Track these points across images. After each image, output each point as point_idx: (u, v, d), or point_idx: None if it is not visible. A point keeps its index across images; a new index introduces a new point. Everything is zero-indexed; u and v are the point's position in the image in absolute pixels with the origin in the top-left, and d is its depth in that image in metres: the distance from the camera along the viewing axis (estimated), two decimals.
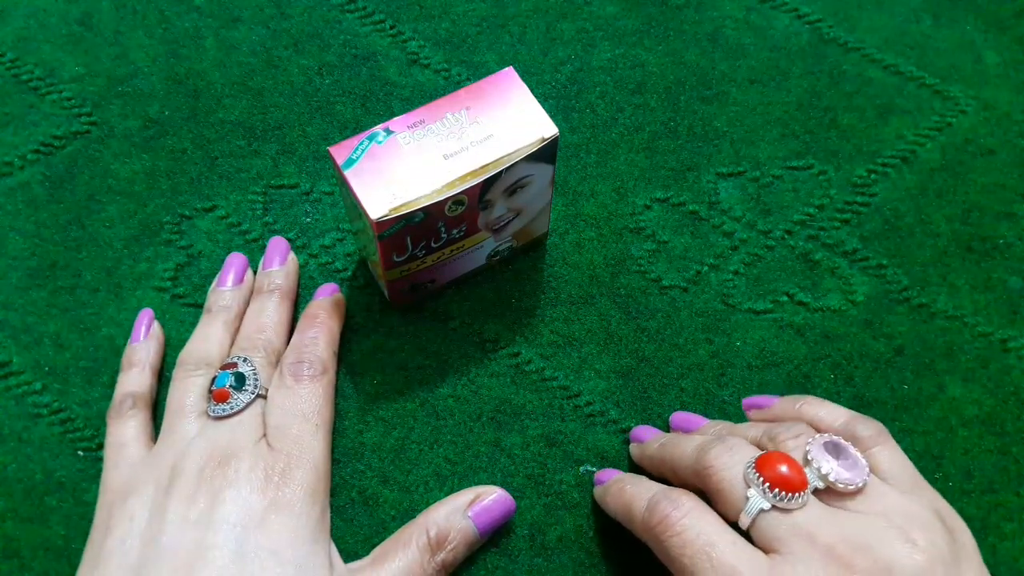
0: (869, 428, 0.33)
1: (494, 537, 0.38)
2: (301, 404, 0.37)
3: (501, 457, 0.40)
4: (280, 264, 0.42)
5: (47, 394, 0.40)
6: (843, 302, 0.43)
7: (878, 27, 0.51)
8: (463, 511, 0.36)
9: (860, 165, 0.47)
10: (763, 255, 0.45)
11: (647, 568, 0.33)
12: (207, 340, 0.39)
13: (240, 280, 0.41)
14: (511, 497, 0.37)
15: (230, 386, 0.36)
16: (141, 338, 0.40)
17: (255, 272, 0.43)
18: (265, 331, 0.39)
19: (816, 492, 0.31)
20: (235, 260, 0.42)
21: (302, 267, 0.43)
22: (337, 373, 0.40)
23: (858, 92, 0.49)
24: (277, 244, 0.42)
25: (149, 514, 0.33)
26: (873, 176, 0.47)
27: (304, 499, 0.34)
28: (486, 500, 0.37)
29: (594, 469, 0.40)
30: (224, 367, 0.37)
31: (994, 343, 0.43)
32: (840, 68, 0.49)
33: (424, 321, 0.42)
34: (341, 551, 0.36)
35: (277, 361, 0.39)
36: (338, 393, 0.41)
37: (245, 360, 0.37)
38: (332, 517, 0.38)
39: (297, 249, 0.44)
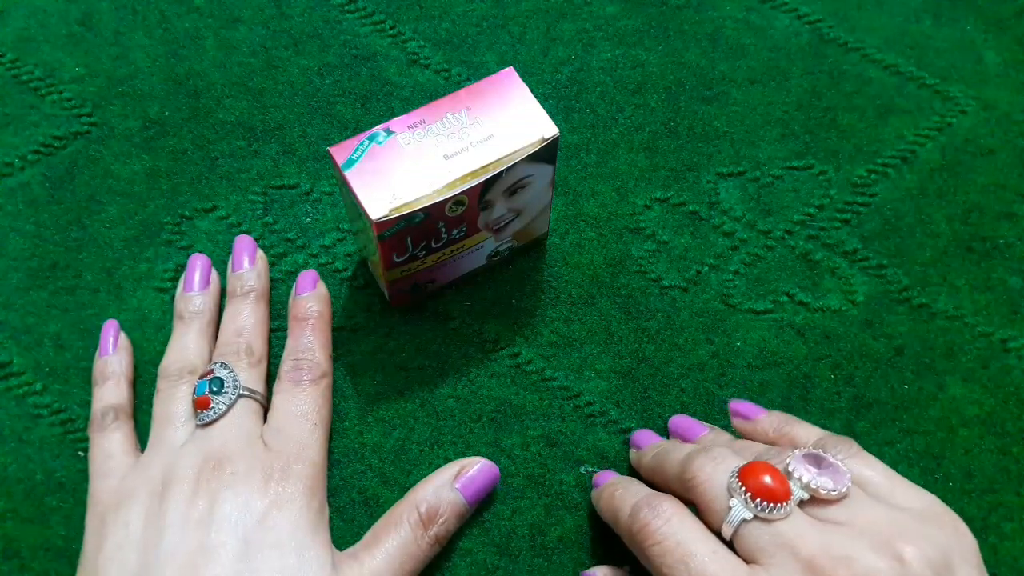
0: (840, 444, 0.33)
1: (495, 537, 0.38)
2: (300, 405, 0.37)
3: (501, 457, 0.40)
4: (250, 264, 0.41)
5: (48, 395, 0.40)
6: (843, 302, 0.43)
7: (878, 27, 0.51)
8: (450, 484, 0.37)
9: (860, 165, 0.47)
10: (763, 255, 0.45)
11: (647, 569, 0.33)
12: (185, 349, 0.39)
13: (207, 282, 0.41)
14: (495, 465, 0.38)
15: (210, 392, 0.36)
16: (110, 350, 0.40)
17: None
18: (243, 334, 0.39)
19: (802, 504, 0.30)
20: (199, 261, 0.42)
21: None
22: (332, 373, 0.40)
23: (858, 92, 0.49)
24: (244, 243, 0.42)
25: (145, 520, 0.33)
26: (873, 176, 0.47)
27: (303, 493, 0.34)
28: (471, 471, 0.37)
29: (594, 469, 0.40)
30: (203, 376, 0.37)
31: (994, 343, 0.43)
32: (840, 68, 0.49)
33: (424, 321, 0.42)
34: (341, 551, 0.36)
35: (259, 362, 0.38)
36: (338, 393, 0.41)
37: (223, 365, 0.37)
38: (332, 517, 0.38)
39: (297, 249, 0.44)
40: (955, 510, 0.39)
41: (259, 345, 0.39)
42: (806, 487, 0.30)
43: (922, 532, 0.29)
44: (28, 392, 0.40)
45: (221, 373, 0.37)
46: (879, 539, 0.29)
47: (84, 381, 0.41)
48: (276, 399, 0.37)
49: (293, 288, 0.41)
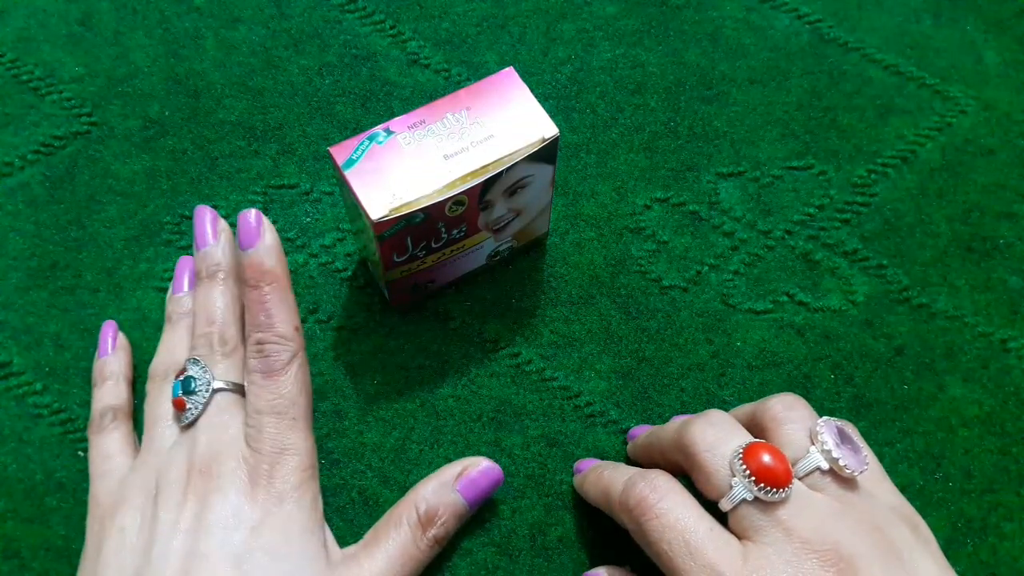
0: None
1: (495, 537, 0.38)
2: (273, 400, 0.35)
3: (502, 457, 0.40)
4: (214, 239, 0.38)
5: (47, 395, 0.40)
6: (843, 302, 0.43)
7: (878, 27, 0.51)
8: (451, 485, 0.36)
9: (860, 165, 0.47)
10: (763, 255, 0.45)
11: (648, 569, 0.33)
12: (173, 349, 0.38)
13: (194, 285, 0.40)
14: (498, 467, 0.37)
15: (183, 393, 0.35)
16: (109, 351, 0.40)
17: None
18: (214, 322, 0.37)
19: (814, 473, 0.31)
20: (187, 264, 0.41)
21: (302, 267, 0.43)
22: (303, 343, 0.36)
23: (858, 92, 0.49)
24: (202, 217, 0.39)
25: (140, 525, 0.33)
26: (873, 176, 0.47)
27: (292, 493, 0.34)
28: (473, 472, 0.37)
29: None
30: (177, 375, 0.36)
31: (994, 343, 0.43)
32: (840, 68, 0.49)
33: (424, 321, 0.42)
34: (340, 549, 0.36)
35: (234, 350, 0.37)
36: (338, 393, 0.41)
37: (194, 361, 0.36)
38: (332, 517, 0.38)
39: (297, 249, 0.44)
40: (955, 510, 0.39)
41: (232, 332, 0.37)
42: (827, 454, 0.30)
43: (897, 520, 0.30)
44: (28, 392, 0.40)
45: (193, 371, 0.35)
46: (871, 524, 0.29)
47: (84, 381, 0.41)
48: (249, 395, 0.35)
49: (235, 239, 0.37)
